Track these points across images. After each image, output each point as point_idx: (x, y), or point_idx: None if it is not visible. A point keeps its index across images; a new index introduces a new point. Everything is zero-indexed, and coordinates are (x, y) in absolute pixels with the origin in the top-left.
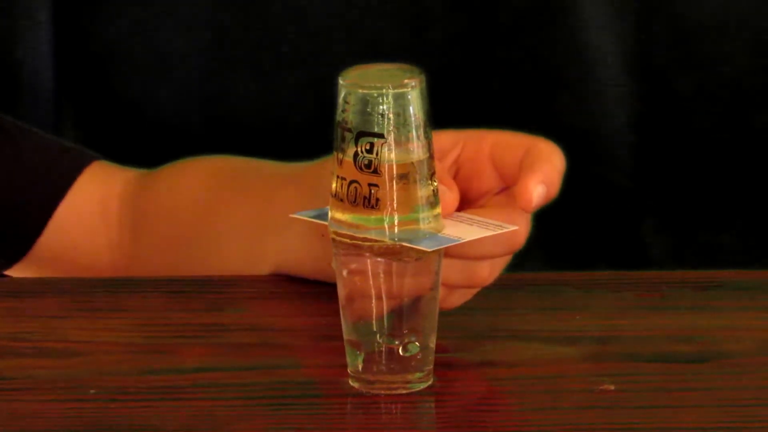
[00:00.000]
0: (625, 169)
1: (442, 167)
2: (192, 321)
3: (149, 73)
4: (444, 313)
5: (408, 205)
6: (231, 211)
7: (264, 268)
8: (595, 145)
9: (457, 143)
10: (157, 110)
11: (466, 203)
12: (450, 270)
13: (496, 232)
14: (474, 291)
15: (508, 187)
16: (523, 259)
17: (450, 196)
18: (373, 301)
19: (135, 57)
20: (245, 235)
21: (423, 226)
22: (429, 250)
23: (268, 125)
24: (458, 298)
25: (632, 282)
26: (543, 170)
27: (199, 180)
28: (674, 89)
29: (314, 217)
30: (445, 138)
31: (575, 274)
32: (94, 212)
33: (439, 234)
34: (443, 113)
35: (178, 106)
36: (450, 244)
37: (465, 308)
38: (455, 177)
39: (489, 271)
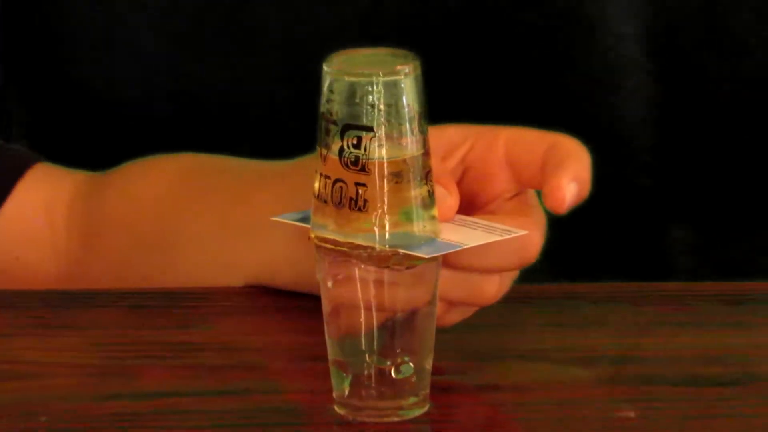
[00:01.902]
0: (645, 166)
1: (444, 167)
2: (156, 339)
3: (109, 56)
4: (442, 331)
5: (401, 206)
6: (200, 215)
7: (238, 278)
8: (611, 138)
9: (466, 139)
10: (117, 99)
11: (473, 209)
12: (453, 284)
13: (503, 237)
14: (474, 309)
15: (521, 192)
16: (531, 269)
17: (449, 202)
18: (362, 315)
19: (92, 37)
20: (217, 242)
21: (418, 230)
22: (426, 256)
23: (245, 118)
24: (457, 315)
25: (655, 295)
26: (573, 167)
27: (163, 180)
28: (701, 75)
29: (297, 220)
30: (452, 133)
31: (590, 285)
32: (38, 220)
33: (438, 239)
34: (441, 104)
35: (141, 95)
36: (450, 251)
37: (466, 325)
38: (462, 178)
39: (497, 288)
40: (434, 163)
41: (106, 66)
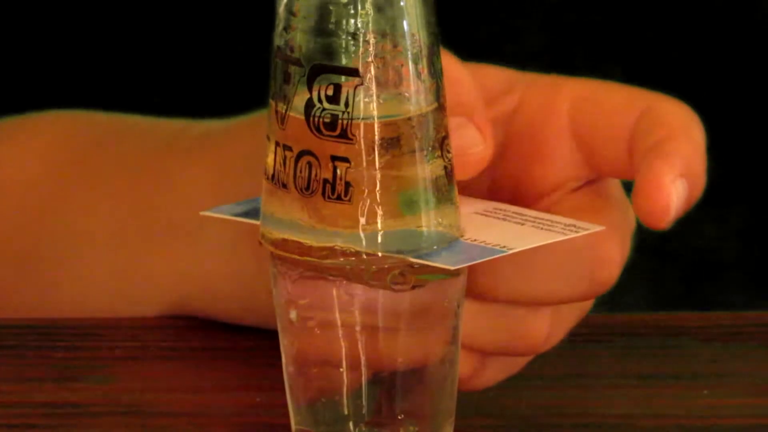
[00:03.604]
0: None
1: (480, 96)
2: (26, 398)
3: None
4: None
5: (402, 190)
6: (92, 207)
7: (150, 304)
8: (742, 101)
9: (510, 91)
10: None
11: (517, 203)
12: (481, 323)
13: (568, 236)
14: (521, 362)
15: (593, 181)
16: (612, 293)
17: (480, 150)
18: (344, 363)
19: None
20: (117, 249)
21: (429, 226)
22: (450, 267)
23: (168, 55)
24: (496, 372)
25: None
26: (682, 153)
27: (35, 153)
28: None
29: (240, 214)
30: (489, 77)
31: (700, 316)
32: None
33: (463, 240)
34: (465, 35)
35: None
36: (486, 259)
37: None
38: (502, 155)
39: (548, 327)
40: (464, 96)
41: None
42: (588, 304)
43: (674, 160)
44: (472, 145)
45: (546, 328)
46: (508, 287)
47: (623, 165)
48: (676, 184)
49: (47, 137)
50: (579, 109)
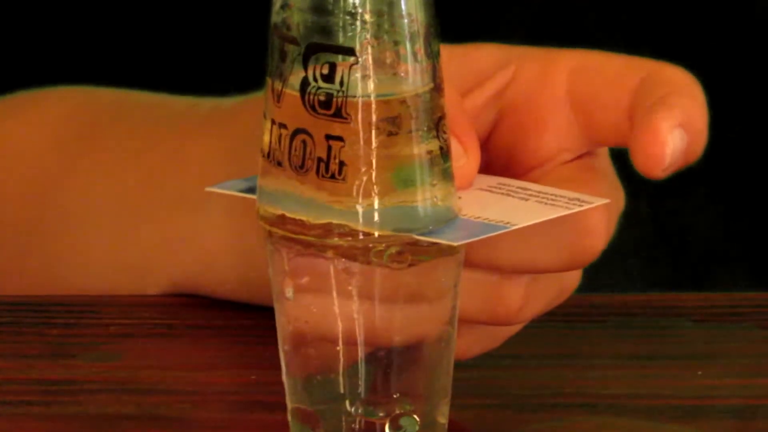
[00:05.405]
0: None
1: (458, 104)
2: (22, 375)
3: None
4: (462, 366)
5: (396, 171)
6: (98, 182)
7: (152, 282)
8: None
9: (505, 66)
10: None
11: (509, 176)
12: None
13: (572, 210)
14: (504, 333)
15: (586, 154)
16: (597, 270)
17: (464, 163)
18: (340, 341)
19: None
20: (121, 224)
21: (425, 202)
22: (453, 244)
23: (171, 34)
24: (469, 344)
25: None
26: (681, 106)
27: (43, 127)
28: None
29: (245, 190)
30: (482, 56)
31: (695, 296)
32: None
33: (465, 217)
34: (462, 15)
35: None
36: (488, 235)
37: (500, 355)
38: (496, 127)
39: (522, 296)
40: (447, 98)
41: None
42: (570, 282)
43: (673, 110)
44: (455, 159)
45: (520, 298)
46: (486, 252)
47: (622, 132)
48: (673, 132)
49: (55, 112)
50: (577, 77)
